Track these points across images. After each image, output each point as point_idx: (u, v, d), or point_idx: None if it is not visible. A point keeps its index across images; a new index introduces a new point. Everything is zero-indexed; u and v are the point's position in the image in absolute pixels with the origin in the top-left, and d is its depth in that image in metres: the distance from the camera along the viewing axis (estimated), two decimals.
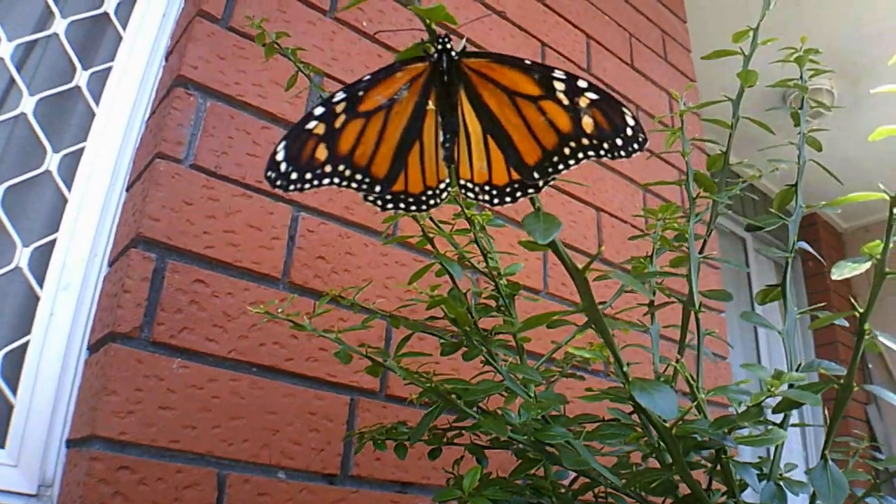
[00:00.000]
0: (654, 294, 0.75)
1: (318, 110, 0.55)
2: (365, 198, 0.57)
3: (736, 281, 3.43)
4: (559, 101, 0.53)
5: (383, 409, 1.11)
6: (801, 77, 0.78)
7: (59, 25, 1.18)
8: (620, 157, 0.53)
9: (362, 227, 1.18)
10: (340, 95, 0.55)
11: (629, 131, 0.52)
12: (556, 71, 0.53)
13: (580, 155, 0.54)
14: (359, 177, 0.56)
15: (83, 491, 0.83)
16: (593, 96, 0.53)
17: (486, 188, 0.57)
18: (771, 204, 0.77)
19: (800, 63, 0.77)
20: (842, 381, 0.54)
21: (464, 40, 0.57)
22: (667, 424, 0.53)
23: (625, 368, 0.51)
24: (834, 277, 0.52)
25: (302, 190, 0.54)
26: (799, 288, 3.87)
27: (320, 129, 0.54)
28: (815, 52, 0.76)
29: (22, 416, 0.94)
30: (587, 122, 0.53)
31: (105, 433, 0.86)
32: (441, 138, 0.57)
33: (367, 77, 0.56)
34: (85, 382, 0.96)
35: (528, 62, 0.55)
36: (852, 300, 0.60)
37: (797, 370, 0.61)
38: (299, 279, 1.08)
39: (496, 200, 0.57)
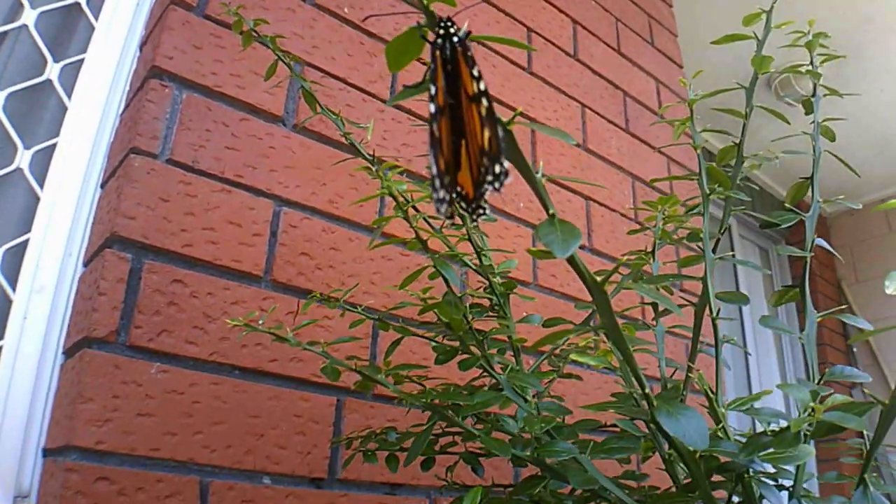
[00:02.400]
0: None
1: (432, 107, 0.45)
2: (463, 213, 0.48)
3: (720, 268, 3.41)
4: (480, 106, 0.45)
5: (371, 409, 1.08)
6: (812, 63, 0.74)
7: (29, 16, 1.13)
8: (494, 189, 0.44)
9: (347, 222, 1.15)
10: (432, 87, 0.46)
11: (504, 162, 0.43)
12: (476, 68, 0.45)
13: (486, 181, 0.44)
14: (453, 187, 0.46)
15: (60, 503, 0.80)
16: (486, 104, 0.44)
17: (466, 199, 0.48)
18: (767, 195, 0.73)
19: (810, 48, 0.73)
20: (888, 401, 0.50)
21: (465, 25, 0.48)
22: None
23: (646, 390, 0.47)
24: (889, 292, 0.48)
25: (452, 216, 0.45)
26: (783, 272, 3.87)
27: (437, 132, 0.45)
28: (825, 37, 0.72)
29: None
30: (486, 137, 0.44)
31: (81, 443, 0.83)
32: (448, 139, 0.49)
33: (432, 64, 0.47)
34: (60, 389, 0.93)
35: (469, 53, 0.46)
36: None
37: (820, 381, 0.58)
38: (282, 277, 1.05)
39: (472, 216, 0.48)
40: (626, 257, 0.72)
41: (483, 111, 0.45)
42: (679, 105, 1.81)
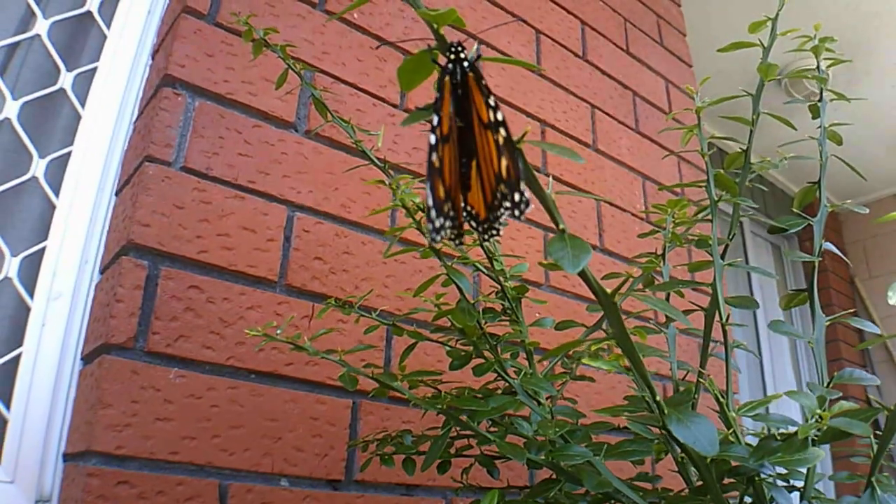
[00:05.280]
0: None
1: (433, 138, 0.46)
2: (450, 239, 0.50)
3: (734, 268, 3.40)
4: (496, 134, 0.46)
5: (386, 411, 1.08)
6: (819, 68, 0.74)
7: (42, 26, 1.15)
8: (514, 217, 0.46)
9: (359, 226, 1.16)
10: (435, 117, 0.47)
11: (524, 191, 0.45)
12: (491, 97, 0.47)
13: (503, 206, 0.46)
14: (453, 213, 0.48)
15: None
16: (504, 134, 0.46)
17: (477, 219, 0.50)
18: (778, 192, 0.74)
19: (816, 52, 0.73)
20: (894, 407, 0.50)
21: (475, 47, 0.50)
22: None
23: (657, 397, 0.48)
24: (892, 302, 0.49)
25: (447, 240, 0.47)
26: (797, 271, 3.85)
27: (437, 161, 0.46)
28: (831, 41, 0.72)
29: (17, 430, 0.92)
30: (503, 165, 0.46)
31: (101, 448, 0.84)
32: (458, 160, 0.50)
33: (438, 93, 0.48)
34: (80, 395, 0.94)
35: (483, 82, 0.48)
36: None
37: (829, 384, 0.58)
38: (297, 281, 1.06)
39: (484, 236, 0.50)
40: (636, 264, 0.72)
41: (500, 140, 0.46)
42: (689, 107, 1.81)
